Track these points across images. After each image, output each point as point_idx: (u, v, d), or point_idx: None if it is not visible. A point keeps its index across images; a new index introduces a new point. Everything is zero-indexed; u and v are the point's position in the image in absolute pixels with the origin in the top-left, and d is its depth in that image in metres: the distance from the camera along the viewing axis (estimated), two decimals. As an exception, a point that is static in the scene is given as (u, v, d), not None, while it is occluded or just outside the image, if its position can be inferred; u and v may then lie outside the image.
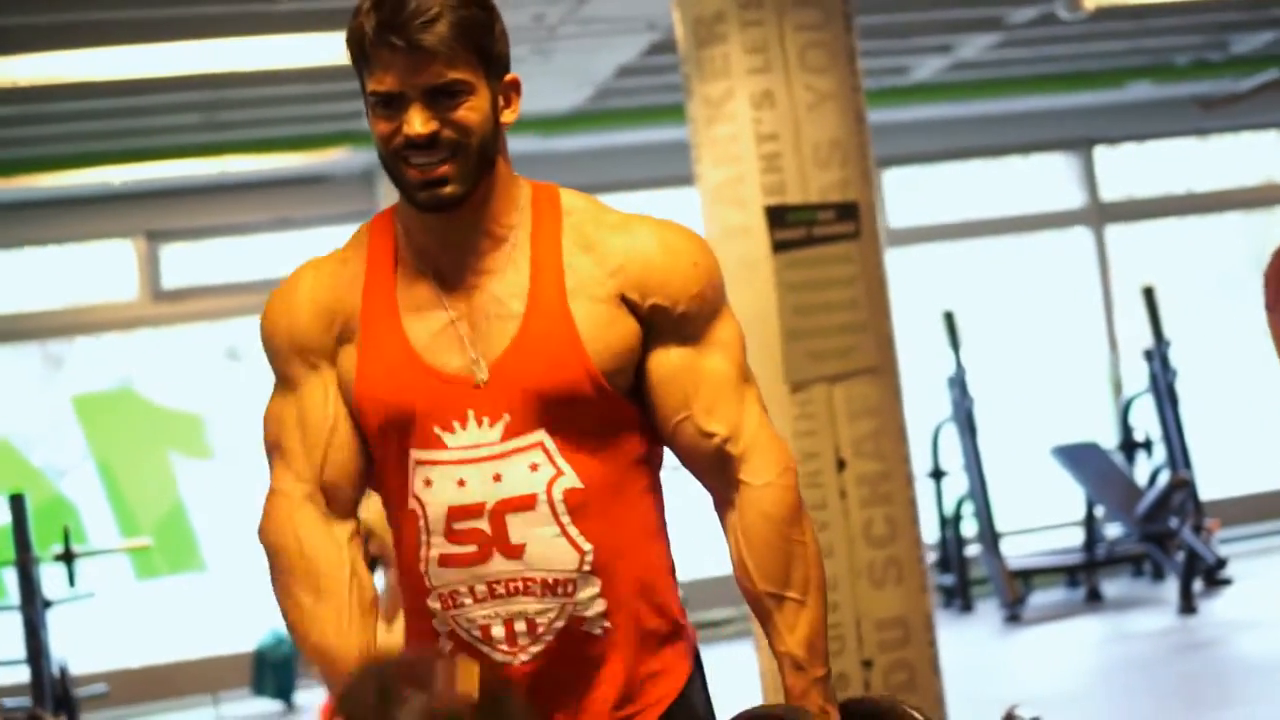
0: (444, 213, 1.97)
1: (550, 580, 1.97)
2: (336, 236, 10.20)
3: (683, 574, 7.45)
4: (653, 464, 2.09)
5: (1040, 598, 9.19)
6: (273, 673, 8.38)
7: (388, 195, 9.20)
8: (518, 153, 7.53)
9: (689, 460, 2.06)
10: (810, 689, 2.03)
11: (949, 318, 9.07)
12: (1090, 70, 9.27)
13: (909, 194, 10.31)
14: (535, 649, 1.99)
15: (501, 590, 1.98)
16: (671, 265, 2.00)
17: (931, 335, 9.22)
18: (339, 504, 2.04)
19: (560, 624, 1.98)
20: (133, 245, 9.21)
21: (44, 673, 7.79)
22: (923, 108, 9.31)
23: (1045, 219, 10.62)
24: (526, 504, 1.96)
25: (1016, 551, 9.48)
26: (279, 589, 2.03)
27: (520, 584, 1.97)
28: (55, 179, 8.50)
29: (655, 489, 2.09)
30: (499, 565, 1.97)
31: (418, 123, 1.92)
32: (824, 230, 4.56)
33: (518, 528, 1.96)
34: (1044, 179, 10.65)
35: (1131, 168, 10.72)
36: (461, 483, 1.97)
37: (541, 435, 1.96)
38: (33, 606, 7.50)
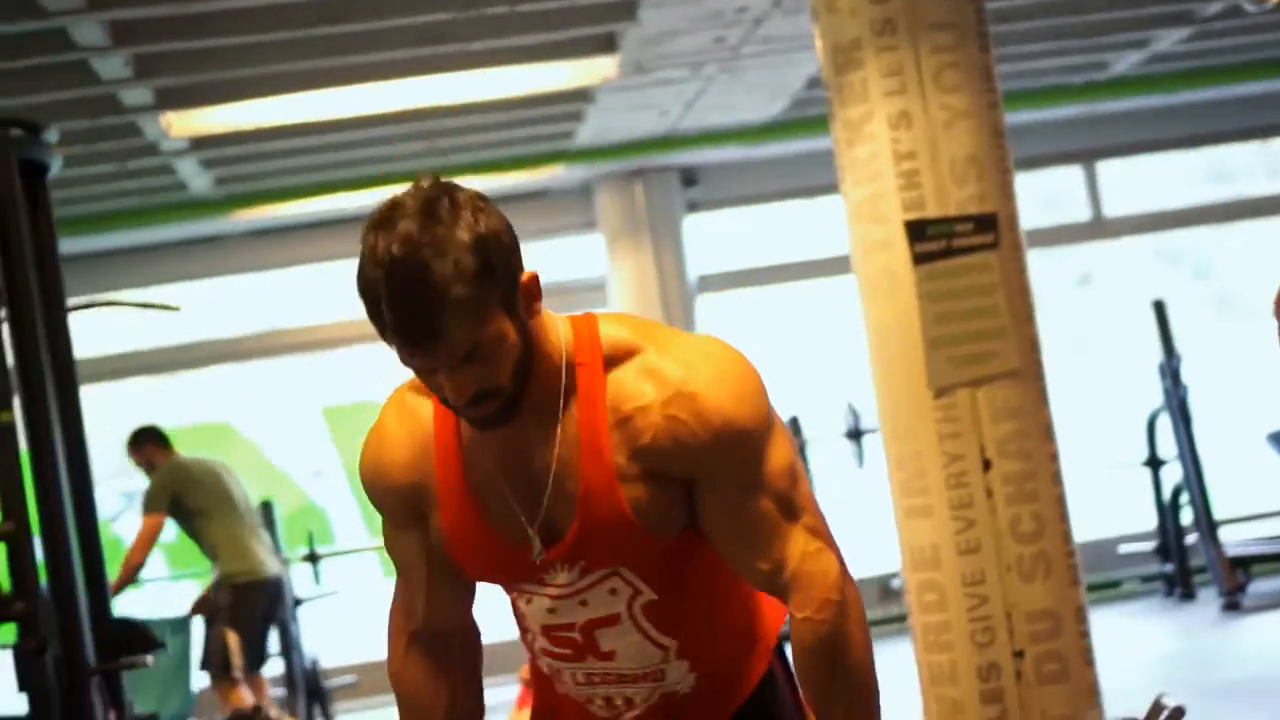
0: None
1: (641, 673, 2.21)
2: (559, 247, 10.56)
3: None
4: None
5: (1262, 585, 9.13)
6: None
7: (605, 207, 9.67)
8: (724, 161, 7.84)
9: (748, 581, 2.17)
10: None
11: (1159, 307, 9.08)
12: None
13: (1122, 184, 10.34)
14: (633, 714, 2.26)
15: (598, 679, 2.23)
16: (694, 440, 2.03)
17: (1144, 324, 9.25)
18: (447, 634, 2.25)
19: (655, 700, 2.24)
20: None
21: (296, 665, 8.38)
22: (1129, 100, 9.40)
23: (1270, 203, 10.53)
24: (611, 621, 2.15)
25: (1237, 539, 9.43)
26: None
27: (614, 676, 2.21)
28: (299, 206, 9.15)
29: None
30: (593, 664, 2.20)
31: (452, 394, 1.97)
32: (963, 242, 4.77)
33: (606, 639, 2.17)
34: (1265, 164, 10.56)
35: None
36: (552, 610, 2.16)
37: (614, 570, 2.12)
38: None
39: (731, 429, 2.03)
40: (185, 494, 7.15)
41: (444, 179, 1.97)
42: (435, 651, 2.23)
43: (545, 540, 2.09)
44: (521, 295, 1.97)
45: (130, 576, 7.03)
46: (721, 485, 2.06)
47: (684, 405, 2.02)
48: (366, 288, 1.92)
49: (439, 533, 2.14)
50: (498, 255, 1.93)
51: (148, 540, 7.02)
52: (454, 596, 2.21)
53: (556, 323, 2.07)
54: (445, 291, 1.88)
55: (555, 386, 2.04)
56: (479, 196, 1.96)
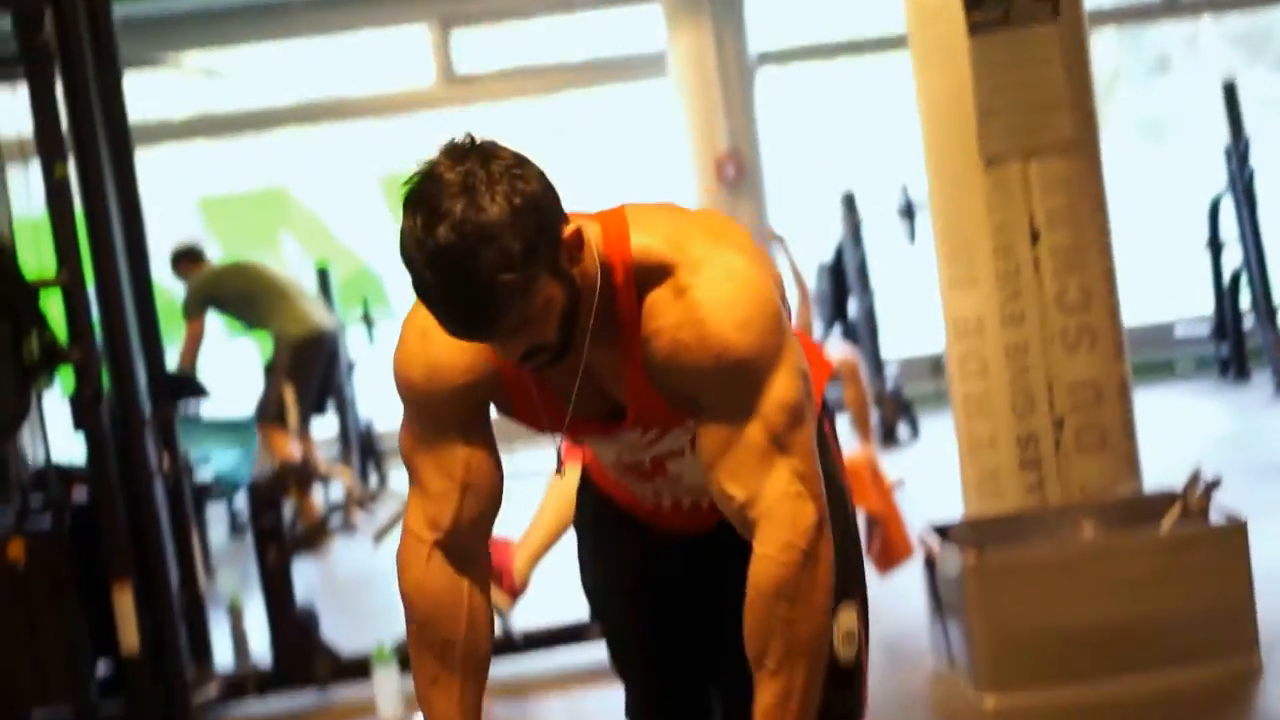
0: None
1: (705, 486, 2.25)
2: (619, 17, 10.45)
3: (890, 353, 7.75)
4: None
5: (1316, 369, 9.10)
6: None
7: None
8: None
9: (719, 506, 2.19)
10: None
11: (1229, 89, 8.92)
12: None
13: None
14: (686, 508, 2.39)
15: (665, 492, 2.36)
16: (695, 363, 2.07)
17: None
18: (469, 548, 2.23)
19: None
20: (428, 30, 9.77)
21: (350, 425, 8.62)
22: None
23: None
24: (677, 454, 2.27)
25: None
26: (410, 639, 2.26)
27: (682, 489, 2.34)
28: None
29: None
30: (659, 483, 2.34)
31: (508, 357, 2.03)
32: (1021, 12, 4.69)
33: (674, 466, 2.30)
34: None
35: None
36: (620, 452, 2.29)
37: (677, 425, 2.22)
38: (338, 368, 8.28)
39: (731, 356, 2.05)
40: (217, 291, 7.61)
41: (477, 139, 1.94)
42: (456, 564, 2.22)
43: (610, 416, 2.18)
44: (564, 253, 1.99)
45: None
46: (718, 409, 2.08)
47: (691, 330, 2.05)
48: (409, 265, 1.92)
49: (506, 409, 2.19)
50: (539, 226, 1.94)
51: (193, 343, 7.48)
52: (482, 508, 2.21)
53: (592, 246, 2.06)
54: (494, 282, 1.90)
55: (590, 295, 2.05)
56: (515, 158, 1.95)
